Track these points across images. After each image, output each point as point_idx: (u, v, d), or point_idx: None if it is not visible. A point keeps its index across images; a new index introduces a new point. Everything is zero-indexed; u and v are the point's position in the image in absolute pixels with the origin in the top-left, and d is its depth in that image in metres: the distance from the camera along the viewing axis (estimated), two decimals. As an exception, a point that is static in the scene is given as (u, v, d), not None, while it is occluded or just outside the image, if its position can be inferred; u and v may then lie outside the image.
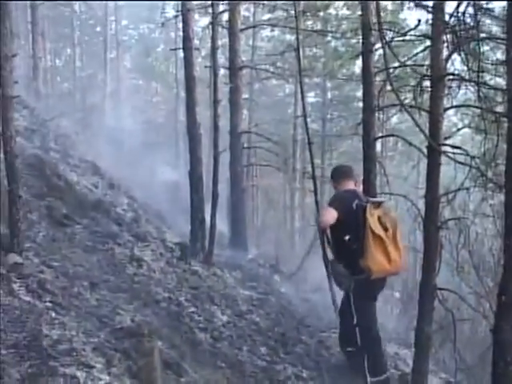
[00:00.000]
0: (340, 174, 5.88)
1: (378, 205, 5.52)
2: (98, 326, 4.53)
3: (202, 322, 5.94)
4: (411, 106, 6.17)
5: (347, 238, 5.34)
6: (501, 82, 5.79)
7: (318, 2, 16.29)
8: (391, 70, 6.88)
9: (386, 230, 5.33)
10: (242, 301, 7.21)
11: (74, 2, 27.60)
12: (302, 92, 8.00)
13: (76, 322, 4.42)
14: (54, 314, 4.44)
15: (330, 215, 5.24)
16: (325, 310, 7.79)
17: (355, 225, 5.31)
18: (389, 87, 6.05)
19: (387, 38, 6.37)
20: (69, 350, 3.80)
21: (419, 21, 5.91)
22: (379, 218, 5.37)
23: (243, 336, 5.98)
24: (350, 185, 5.70)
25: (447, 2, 5.78)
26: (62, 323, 4.27)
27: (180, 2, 9.66)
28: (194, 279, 7.40)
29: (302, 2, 14.90)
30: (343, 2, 18.15)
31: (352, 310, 5.34)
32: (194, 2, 10.33)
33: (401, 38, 7.50)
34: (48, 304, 4.66)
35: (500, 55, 6.13)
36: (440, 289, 5.88)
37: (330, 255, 5.65)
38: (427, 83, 5.93)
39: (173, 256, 8.00)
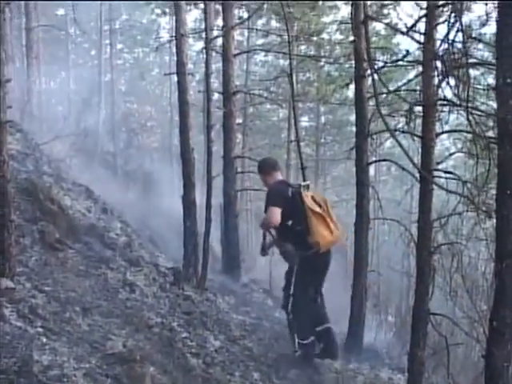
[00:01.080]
0: (270, 166, 6.59)
1: (307, 187, 6.30)
2: (89, 351, 4.51)
3: (194, 347, 5.92)
4: (403, 132, 6.24)
5: (290, 222, 6.04)
6: (493, 105, 5.86)
7: (311, 26, 16.49)
8: (384, 96, 6.96)
9: (320, 206, 6.13)
10: (235, 326, 7.19)
11: (69, 26, 27.74)
12: (295, 117, 8.09)
13: (67, 347, 4.40)
14: (45, 340, 4.42)
15: (277, 214, 5.93)
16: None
17: (295, 209, 6.03)
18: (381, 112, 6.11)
19: (379, 64, 6.46)
20: (59, 376, 3.79)
21: (407, 51, 6.01)
22: (312, 198, 6.17)
23: (236, 361, 5.95)
24: (279, 175, 6.49)
25: (438, 28, 5.88)
26: (53, 349, 4.26)
27: (174, 27, 9.74)
28: (186, 304, 7.38)
29: (295, 27, 15.08)
30: (336, 26, 18.38)
31: (291, 282, 6.14)
32: (188, 27, 10.43)
33: (393, 64, 7.60)
34: (39, 329, 4.65)
35: (492, 80, 6.21)
36: (433, 314, 5.90)
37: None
38: (420, 108, 6.00)
39: (166, 281, 7.98)
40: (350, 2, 7.05)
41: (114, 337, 5.09)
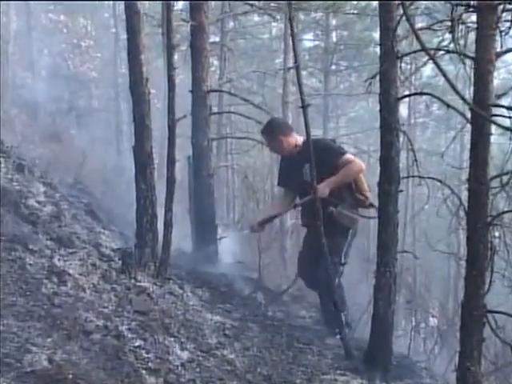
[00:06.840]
0: (287, 125, 8.61)
1: None
2: (-2, 368, 4.51)
3: (152, 360, 5.92)
4: (448, 51, 6.16)
5: None
6: None
7: None
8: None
9: None
10: (210, 330, 7.21)
11: None
12: (292, 33, 7.97)
13: (-33, 363, 4.40)
14: None
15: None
16: (328, 341, 7.82)
17: None
18: (419, 25, 6.02)
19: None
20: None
21: None
22: None
23: (211, 380, 5.97)
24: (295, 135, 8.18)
25: None
26: None
27: None
28: (141, 300, 7.38)
29: None
30: None
31: (342, 249, 7.67)
32: None
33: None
34: None
35: None
36: (491, 311, 5.90)
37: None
38: (472, 17, 5.91)
39: (111, 268, 7.98)
40: None
41: (34, 348, 5.08)
